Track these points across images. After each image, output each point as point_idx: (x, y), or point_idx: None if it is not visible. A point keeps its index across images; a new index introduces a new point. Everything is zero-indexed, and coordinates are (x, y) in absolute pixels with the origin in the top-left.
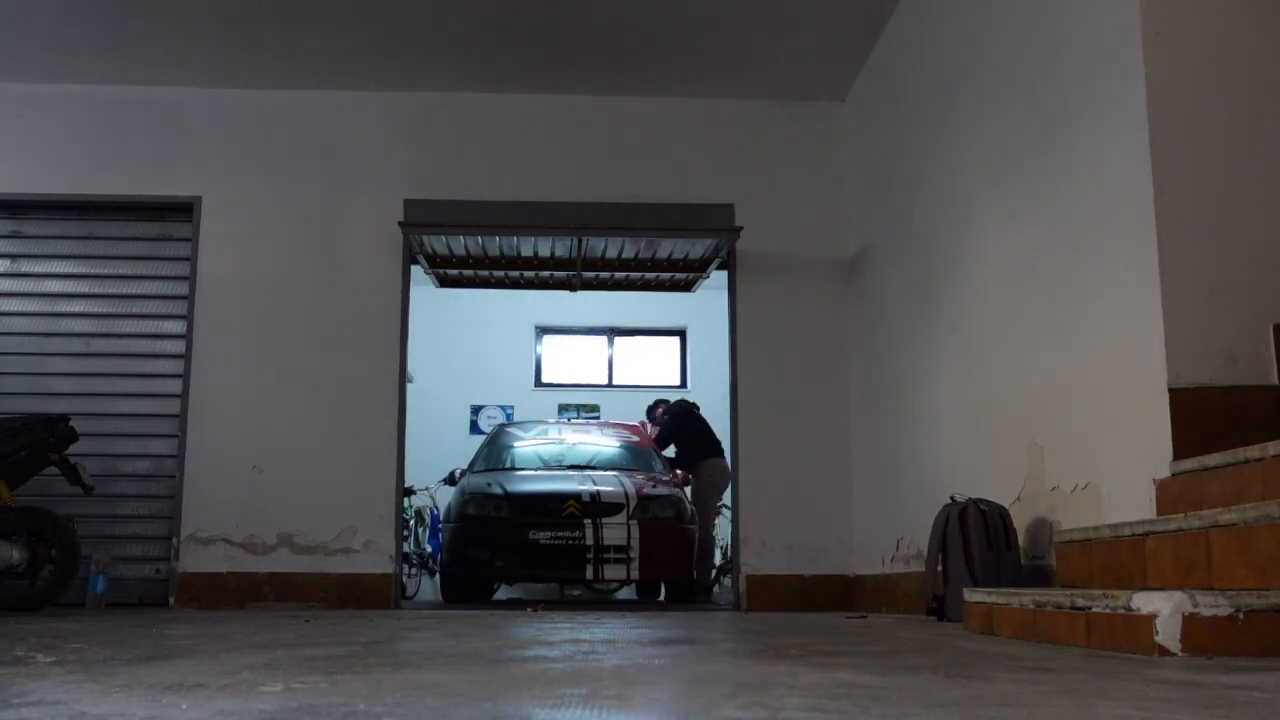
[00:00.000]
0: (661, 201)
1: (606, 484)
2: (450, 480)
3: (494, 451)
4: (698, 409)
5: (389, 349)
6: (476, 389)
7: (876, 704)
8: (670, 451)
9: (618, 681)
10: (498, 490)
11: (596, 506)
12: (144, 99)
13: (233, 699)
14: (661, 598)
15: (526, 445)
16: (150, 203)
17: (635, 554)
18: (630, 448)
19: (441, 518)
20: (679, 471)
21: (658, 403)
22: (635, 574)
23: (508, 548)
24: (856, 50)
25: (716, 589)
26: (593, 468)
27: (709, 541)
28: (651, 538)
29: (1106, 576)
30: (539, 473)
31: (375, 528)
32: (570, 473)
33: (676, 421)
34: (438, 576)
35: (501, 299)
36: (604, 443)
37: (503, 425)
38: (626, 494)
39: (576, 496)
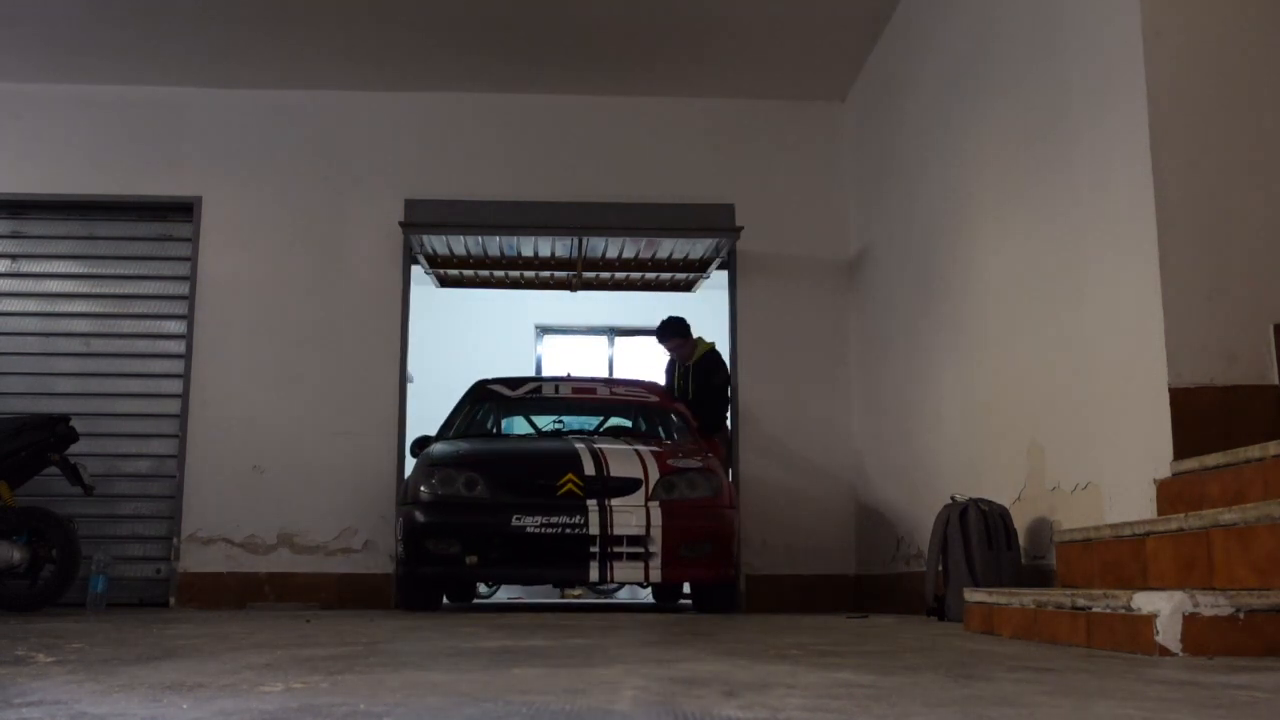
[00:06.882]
0: (661, 201)
1: (617, 453)
2: (417, 449)
3: (472, 413)
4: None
5: (389, 349)
6: None
7: (877, 704)
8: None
9: (618, 682)
10: (470, 460)
11: (604, 483)
12: (144, 99)
13: (233, 699)
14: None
15: (514, 405)
16: (150, 203)
17: (657, 548)
18: (650, 409)
19: (398, 498)
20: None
21: (679, 328)
22: (656, 574)
23: (483, 538)
24: (856, 50)
25: None
26: (601, 434)
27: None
28: (679, 526)
29: (1107, 576)
30: (528, 439)
31: (375, 528)
32: (570, 440)
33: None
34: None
35: (501, 299)
36: (615, 402)
37: (484, 381)
38: (645, 467)
39: (576, 469)
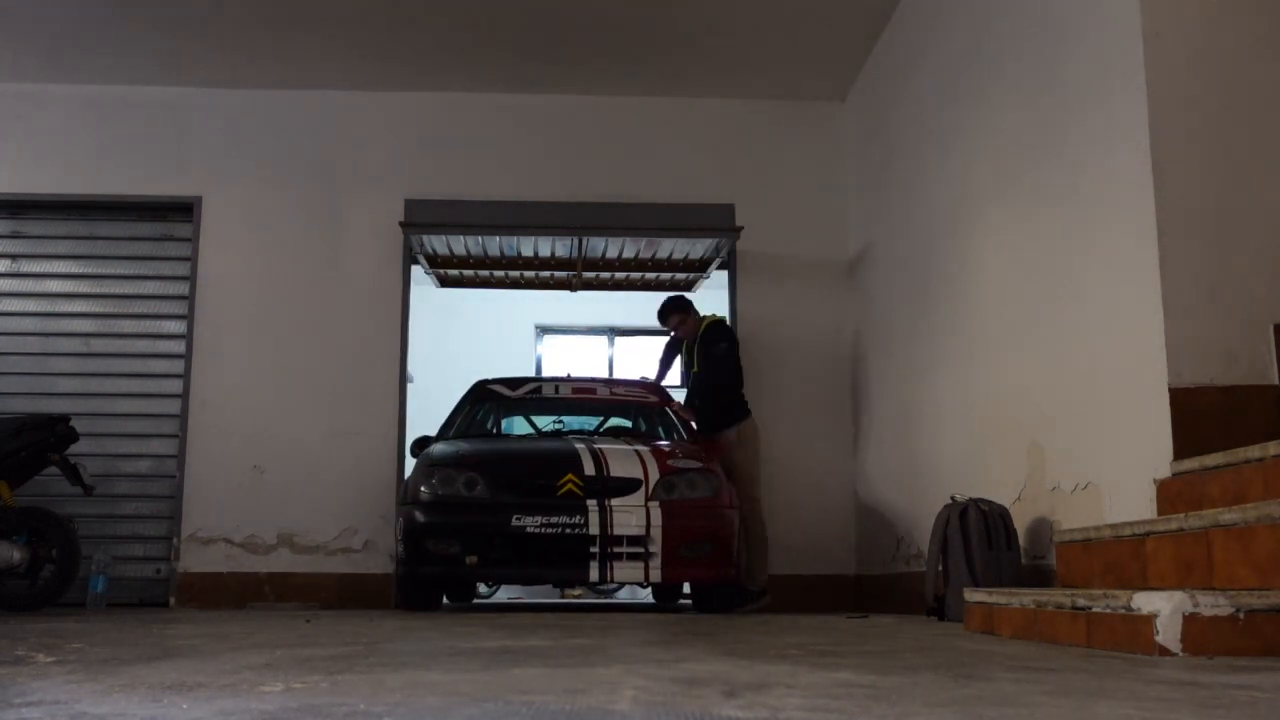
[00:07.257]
0: (662, 201)
1: (617, 454)
2: (417, 449)
3: (472, 413)
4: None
5: (389, 349)
6: None
7: (877, 704)
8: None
9: (618, 682)
10: (470, 460)
11: (604, 483)
12: (144, 99)
13: (233, 698)
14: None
15: (514, 405)
16: (151, 203)
17: (657, 548)
18: (650, 409)
19: (398, 498)
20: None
21: (679, 304)
22: (656, 574)
23: (483, 538)
24: (856, 50)
25: None
26: (601, 434)
27: (760, 529)
28: (679, 526)
29: (1107, 576)
30: (528, 439)
31: (375, 528)
32: (570, 440)
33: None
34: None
35: (501, 299)
36: (615, 402)
37: (484, 381)
38: (645, 467)
39: (576, 469)
